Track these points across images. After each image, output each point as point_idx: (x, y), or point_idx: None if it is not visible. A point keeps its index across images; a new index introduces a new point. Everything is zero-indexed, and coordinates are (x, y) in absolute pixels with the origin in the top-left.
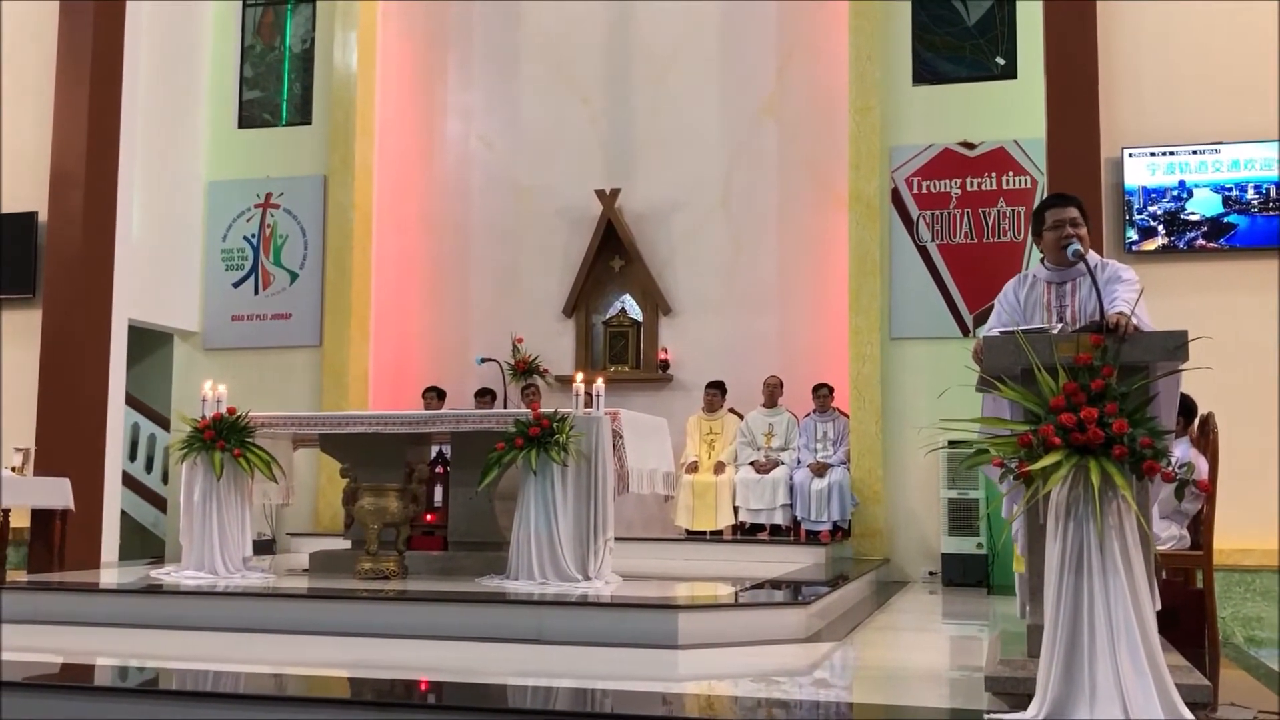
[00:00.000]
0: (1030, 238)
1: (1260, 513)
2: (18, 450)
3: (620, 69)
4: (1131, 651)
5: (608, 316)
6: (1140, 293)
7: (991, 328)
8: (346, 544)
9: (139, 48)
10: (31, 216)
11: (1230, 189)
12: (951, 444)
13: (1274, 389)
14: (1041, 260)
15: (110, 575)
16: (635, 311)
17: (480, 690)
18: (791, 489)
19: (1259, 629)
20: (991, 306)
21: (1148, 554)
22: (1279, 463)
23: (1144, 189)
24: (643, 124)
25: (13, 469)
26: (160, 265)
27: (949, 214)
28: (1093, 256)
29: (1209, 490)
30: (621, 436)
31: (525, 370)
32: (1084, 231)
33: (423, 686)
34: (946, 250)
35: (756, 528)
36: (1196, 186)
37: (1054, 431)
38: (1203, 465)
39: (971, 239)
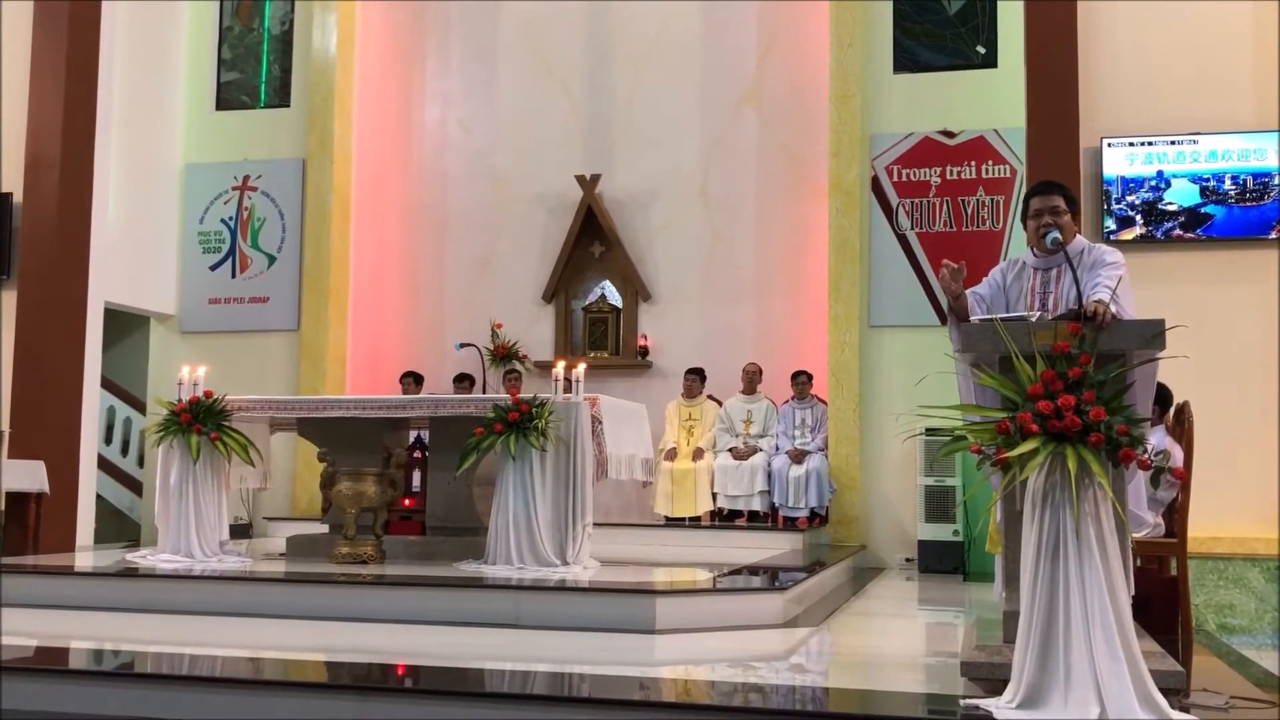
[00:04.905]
0: (1009, 226)
1: (1232, 501)
2: None
3: (600, 56)
4: (1106, 637)
5: (587, 302)
6: (1123, 276)
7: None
8: (324, 528)
9: (116, 28)
10: (6, 198)
11: (1208, 180)
12: (929, 431)
13: (1250, 379)
14: (1031, 247)
15: (85, 559)
16: (615, 298)
17: (458, 674)
18: (769, 475)
19: (1231, 616)
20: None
21: (1123, 540)
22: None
23: (1122, 179)
24: (622, 112)
25: None
26: (136, 247)
27: (929, 202)
28: (1080, 242)
29: (1184, 478)
30: (600, 422)
31: (504, 356)
32: (1067, 219)
33: (400, 671)
34: (926, 238)
35: (734, 514)
36: (1174, 177)
37: (1031, 419)
38: (1178, 454)
39: (951, 227)
